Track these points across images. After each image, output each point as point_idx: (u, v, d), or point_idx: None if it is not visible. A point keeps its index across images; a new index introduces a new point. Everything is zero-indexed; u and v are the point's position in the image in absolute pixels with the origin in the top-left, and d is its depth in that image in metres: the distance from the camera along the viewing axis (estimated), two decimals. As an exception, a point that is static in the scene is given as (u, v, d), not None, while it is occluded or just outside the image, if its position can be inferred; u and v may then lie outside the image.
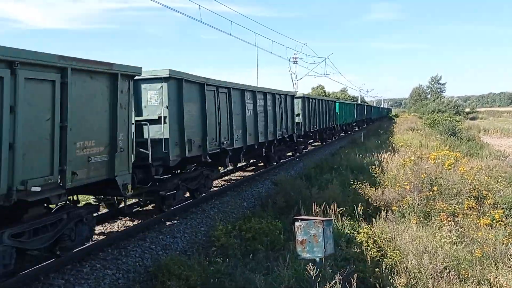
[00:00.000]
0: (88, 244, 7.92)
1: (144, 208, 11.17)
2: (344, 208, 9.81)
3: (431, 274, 6.32)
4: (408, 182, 11.67)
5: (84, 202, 9.09)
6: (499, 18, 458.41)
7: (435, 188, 10.96)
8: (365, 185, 12.34)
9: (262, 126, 15.47)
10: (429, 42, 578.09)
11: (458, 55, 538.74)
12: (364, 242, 7.72)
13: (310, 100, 24.27)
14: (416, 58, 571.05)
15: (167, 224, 9.58)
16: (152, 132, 8.99)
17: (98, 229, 9.43)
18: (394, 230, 8.23)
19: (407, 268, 6.65)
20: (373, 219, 9.21)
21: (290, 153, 21.77)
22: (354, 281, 5.45)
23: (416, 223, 8.78)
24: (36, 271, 6.71)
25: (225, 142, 12.05)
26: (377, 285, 6.07)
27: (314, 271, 5.58)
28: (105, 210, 10.82)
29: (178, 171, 10.92)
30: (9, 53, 5.40)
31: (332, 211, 9.44)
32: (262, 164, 18.62)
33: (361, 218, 9.51)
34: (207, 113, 10.90)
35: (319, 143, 30.16)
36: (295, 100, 20.72)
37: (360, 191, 11.98)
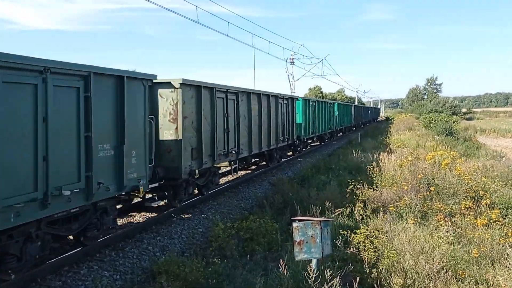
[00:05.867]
0: (87, 246, 7.90)
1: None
2: (342, 209, 9.82)
3: (428, 275, 6.32)
4: (405, 182, 11.68)
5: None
6: (495, 18, 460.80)
7: (432, 188, 10.97)
8: (362, 186, 12.35)
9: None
10: (425, 42, 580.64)
11: (455, 55, 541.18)
12: (361, 242, 7.72)
13: (231, 94, 13.09)
14: (412, 58, 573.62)
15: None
16: None
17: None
18: (391, 231, 8.23)
19: (404, 268, 6.66)
20: (370, 219, 9.21)
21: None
22: (356, 283, 5.46)
23: (414, 223, 8.79)
24: (33, 273, 6.68)
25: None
26: (375, 285, 6.08)
27: (313, 271, 5.58)
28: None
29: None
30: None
31: (330, 212, 9.46)
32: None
33: (359, 219, 9.50)
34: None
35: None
36: (172, 95, 10.19)
37: (357, 192, 11.99)
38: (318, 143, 30.98)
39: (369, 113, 73.22)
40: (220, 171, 14.31)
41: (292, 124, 20.74)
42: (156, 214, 10.55)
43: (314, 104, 26.66)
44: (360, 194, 11.74)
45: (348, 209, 9.95)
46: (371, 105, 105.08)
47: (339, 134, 39.01)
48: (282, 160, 20.50)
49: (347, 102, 58.05)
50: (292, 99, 21.08)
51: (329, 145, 31.38)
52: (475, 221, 8.93)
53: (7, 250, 6.12)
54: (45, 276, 6.75)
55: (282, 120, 18.92)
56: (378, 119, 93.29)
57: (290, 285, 5.91)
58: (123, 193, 8.19)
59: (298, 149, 23.67)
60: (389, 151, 21.09)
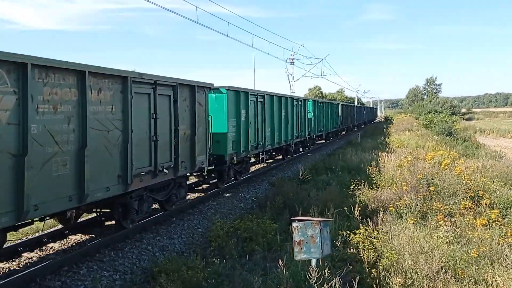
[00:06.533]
0: (85, 247, 7.91)
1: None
2: (342, 209, 9.82)
3: (428, 274, 6.33)
4: (405, 182, 11.69)
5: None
6: (495, 18, 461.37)
7: (432, 188, 10.98)
8: (362, 186, 12.36)
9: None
10: (425, 42, 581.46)
11: (454, 55, 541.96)
12: (360, 242, 7.73)
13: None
14: (412, 58, 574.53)
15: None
16: None
17: (94, 230, 9.41)
18: (391, 231, 8.24)
19: (403, 268, 6.66)
20: (369, 220, 9.21)
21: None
22: (356, 283, 5.47)
23: (413, 223, 8.79)
24: (33, 273, 6.69)
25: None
26: (374, 285, 6.08)
27: (313, 272, 5.59)
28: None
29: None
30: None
31: (330, 212, 9.45)
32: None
33: (359, 219, 9.51)
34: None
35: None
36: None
37: (357, 192, 12.00)
38: (280, 157, 21.26)
39: (364, 114, 61.13)
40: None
41: (193, 137, 10.78)
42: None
43: (261, 100, 16.35)
44: (360, 194, 11.75)
45: (348, 209, 9.96)
46: (371, 105, 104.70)
47: (319, 141, 30.63)
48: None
49: (331, 100, 47.11)
50: (192, 89, 10.70)
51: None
52: (474, 221, 8.94)
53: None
54: (44, 276, 6.75)
55: (158, 132, 9.24)
56: (376, 120, 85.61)
57: (289, 285, 5.91)
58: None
59: (215, 180, 13.81)
60: (389, 150, 21.10)
